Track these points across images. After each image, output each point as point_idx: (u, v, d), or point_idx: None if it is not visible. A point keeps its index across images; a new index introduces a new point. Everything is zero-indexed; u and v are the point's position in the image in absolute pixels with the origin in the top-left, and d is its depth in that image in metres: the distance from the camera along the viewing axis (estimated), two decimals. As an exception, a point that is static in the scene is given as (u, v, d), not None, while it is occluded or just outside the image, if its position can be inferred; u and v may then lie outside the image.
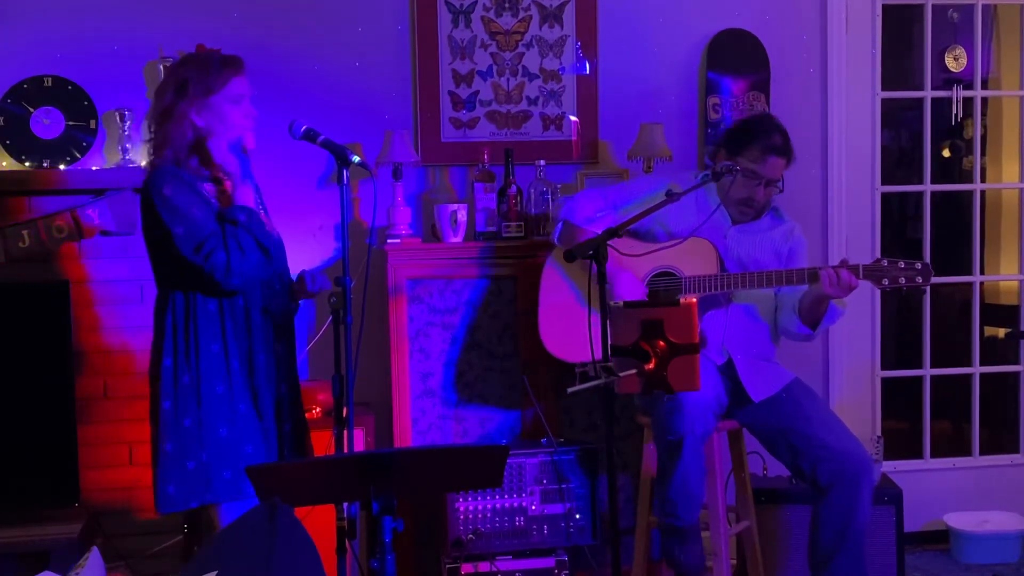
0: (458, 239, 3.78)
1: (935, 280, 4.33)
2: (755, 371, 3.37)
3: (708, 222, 3.34)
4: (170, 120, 2.80)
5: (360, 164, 2.78)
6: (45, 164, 3.73)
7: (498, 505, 3.52)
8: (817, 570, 3.25)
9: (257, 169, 3.01)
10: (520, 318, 3.73)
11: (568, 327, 3.42)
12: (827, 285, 3.12)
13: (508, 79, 4.05)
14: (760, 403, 3.33)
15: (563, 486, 3.55)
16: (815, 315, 3.29)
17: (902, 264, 3.13)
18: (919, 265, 3.14)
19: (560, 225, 3.44)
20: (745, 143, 3.32)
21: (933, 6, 4.30)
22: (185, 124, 2.79)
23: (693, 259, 3.31)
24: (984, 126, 4.66)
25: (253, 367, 2.85)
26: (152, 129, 2.86)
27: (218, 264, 2.72)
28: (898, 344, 4.78)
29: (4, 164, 3.75)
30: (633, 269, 3.34)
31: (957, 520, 4.19)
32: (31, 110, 3.73)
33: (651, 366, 2.47)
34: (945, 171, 5.00)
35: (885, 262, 3.15)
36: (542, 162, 3.90)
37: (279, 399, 2.91)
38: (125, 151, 3.76)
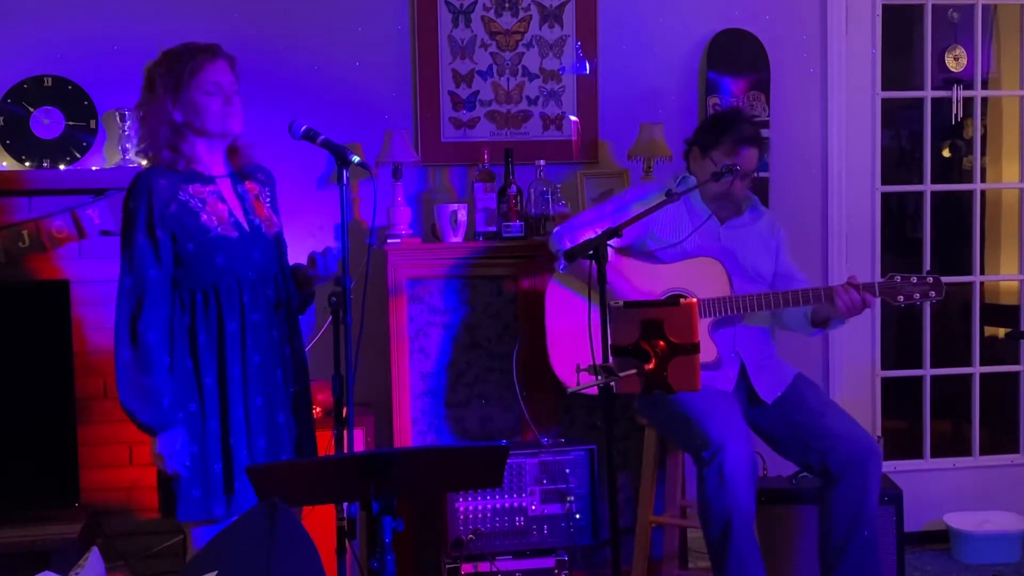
0: (458, 239, 3.78)
1: (935, 280, 4.28)
2: (763, 371, 3.38)
3: (700, 227, 3.35)
4: (146, 116, 2.80)
5: (360, 164, 2.77)
6: (45, 164, 3.73)
7: (498, 505, 3.52)
8: (830, 561, 3.24)
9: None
10: (520, 320, 3.73)
11: (581, 355, 3.36)
12: (844, 308, 3.14)
13: (508, 79, 4.05)
14: (771, 404, 3.34)
15: (563, 486, 3.55)
16: (825, 323, 3.35)
17: (914, 279, 3.15)
18: (931, 279, 3.15)
19: (561, 262, 3.34)
20: (716, 139, 3.34)
21: (933, 6, 4.30)
22: (161, 119, 2.77)
23: (703, 279, 3.31)
24: (984, 126, 4.66)
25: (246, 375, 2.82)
26: (138, 127, 2.87)
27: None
28: (898, 344, 4.78)
29: (4, 164, 3.75)
30: (643, 292, 3.33)
31: (957, 520, 4.19)
32: (31, 110, 3.73)
33: (651, 366, 2.47)
34: (945, 171, 4.99)
35: (898, 278, 3.16)
36: (542, 162, 3.90)
37: (289, 398, 2.90)
38: (125, 151, 3.76)
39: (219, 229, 2.78)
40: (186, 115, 2.78)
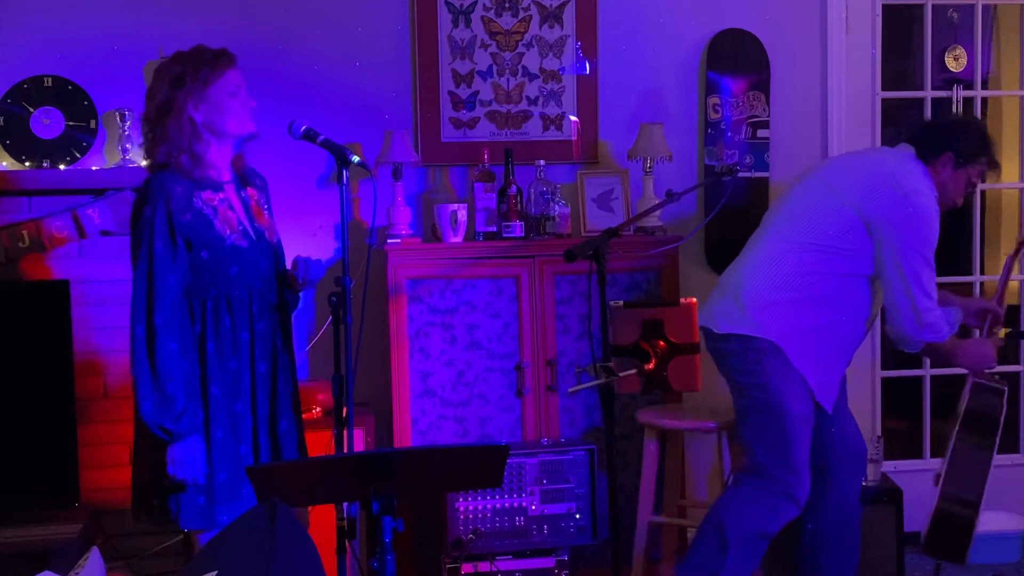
0: (458, 239, 3.78)
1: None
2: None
3: None
4: (168, 115, 2.73)
5: (360, 164, 2.77)
6: (45, 164, 3.73)
7: (498, 505, 3.52)
8: (818, 558, 3.27)
9: (257, 169, 3.02)
10: (521, 318, 3.74)
11: None
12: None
13: (508, 79, 4.05)
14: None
15: (563, 486, 3.55)
16: None
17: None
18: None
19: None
20: (976, 156, 3.30)
21: (933, 6, 4.30)
22: (183, 119, 2.73)
23: None
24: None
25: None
26: (147, 128, 2.79)
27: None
28: (898, 344, 4.77)
29: (4, 164, 3.75)
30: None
31: (957, 520, 4.19)
32: (31, 110, 3.73)
33: (651, 366, 2.47)
34: (945, 171, 4.98)
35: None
36: (542, 162, 3.90)
37: (266, 406, 2.87)
38: (125, 151, 3.76)
39: (232, 238, 2.78)
40: (207, 115, 2.75)
